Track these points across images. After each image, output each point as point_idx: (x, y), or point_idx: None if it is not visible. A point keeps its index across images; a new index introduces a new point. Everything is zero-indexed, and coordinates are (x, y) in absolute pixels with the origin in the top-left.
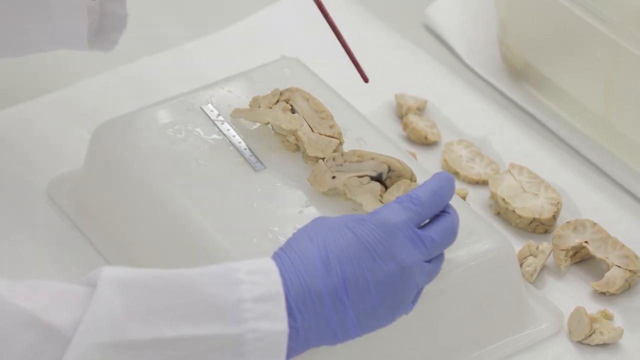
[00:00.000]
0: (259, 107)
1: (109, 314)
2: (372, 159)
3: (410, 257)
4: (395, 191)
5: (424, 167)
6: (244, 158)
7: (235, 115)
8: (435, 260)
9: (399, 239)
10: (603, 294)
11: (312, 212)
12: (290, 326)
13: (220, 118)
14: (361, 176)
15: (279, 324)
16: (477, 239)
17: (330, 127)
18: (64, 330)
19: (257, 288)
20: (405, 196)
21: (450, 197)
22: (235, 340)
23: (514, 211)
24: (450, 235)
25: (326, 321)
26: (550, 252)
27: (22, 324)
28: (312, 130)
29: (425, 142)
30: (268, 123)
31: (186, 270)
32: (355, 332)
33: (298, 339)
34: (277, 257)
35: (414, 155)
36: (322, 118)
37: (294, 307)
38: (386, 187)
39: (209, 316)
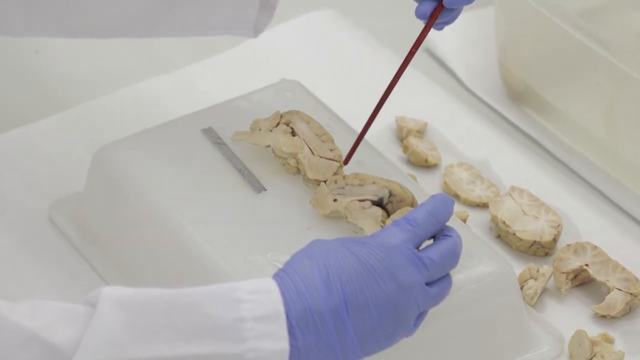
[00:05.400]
0: (260, 129)
1: (109, 333)
2: (374, 183)
3: (410, 277)
4: (397, 218)
5: (425, 189)
6: (245, 180)
7: (236, 138)
8: (439, 283)
9: (399, 259)
10: (604, 317)
11: (313, 235)
12: (292, 345)
13: (221, 140)
14: (362, 200)
15: (280, 343)
16: (477, 262)
17: (331, 150)
18: (65, 348)
19: (257, 307)
20: (402, 218)
21: (447, 217)
22: None
23: (514, 234)
24: (451, 258)
25: (327, 341)
26: (551, 275)
27: (23, 343)
28: (313, 153)
29: (425, 165)
30: (269, 146)
31: (186, 289)
32: (355, 352)
33: (299, 359)
34: (278, 277)
35: (414, 178)
36: (322, 141)
37: (295, 325)
38: (387, 212)
39: (209, 335)
